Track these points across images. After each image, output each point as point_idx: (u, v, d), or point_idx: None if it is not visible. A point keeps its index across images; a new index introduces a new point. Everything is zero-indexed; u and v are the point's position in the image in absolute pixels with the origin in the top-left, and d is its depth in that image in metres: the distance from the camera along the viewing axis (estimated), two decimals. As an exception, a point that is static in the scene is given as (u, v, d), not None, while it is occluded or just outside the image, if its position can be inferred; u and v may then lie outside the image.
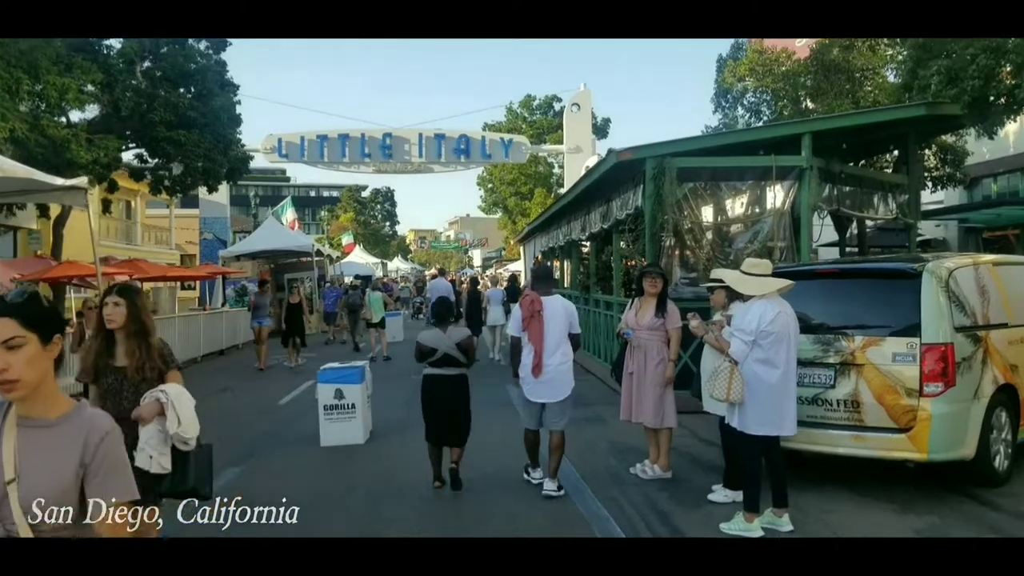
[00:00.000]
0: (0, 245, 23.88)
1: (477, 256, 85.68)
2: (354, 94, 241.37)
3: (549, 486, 7.14)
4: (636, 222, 12.64)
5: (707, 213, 12.20)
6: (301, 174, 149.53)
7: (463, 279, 37.99)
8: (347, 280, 40.37)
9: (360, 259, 47.46)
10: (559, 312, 7.18)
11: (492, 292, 19.85)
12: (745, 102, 20.35)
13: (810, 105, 19.21)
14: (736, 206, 11.84)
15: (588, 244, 17.90)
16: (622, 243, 14.48)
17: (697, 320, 6.83)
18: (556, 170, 52.36)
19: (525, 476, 7.68)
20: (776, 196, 11.10)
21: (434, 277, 28.40)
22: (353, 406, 9.58)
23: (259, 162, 37.19)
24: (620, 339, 8.07)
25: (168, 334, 16.20)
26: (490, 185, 52.73)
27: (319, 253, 30.93)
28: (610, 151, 11.42)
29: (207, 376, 16.72)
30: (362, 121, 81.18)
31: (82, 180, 11.30)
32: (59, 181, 10.87)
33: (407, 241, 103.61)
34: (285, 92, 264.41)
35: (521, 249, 36.87)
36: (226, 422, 11.75)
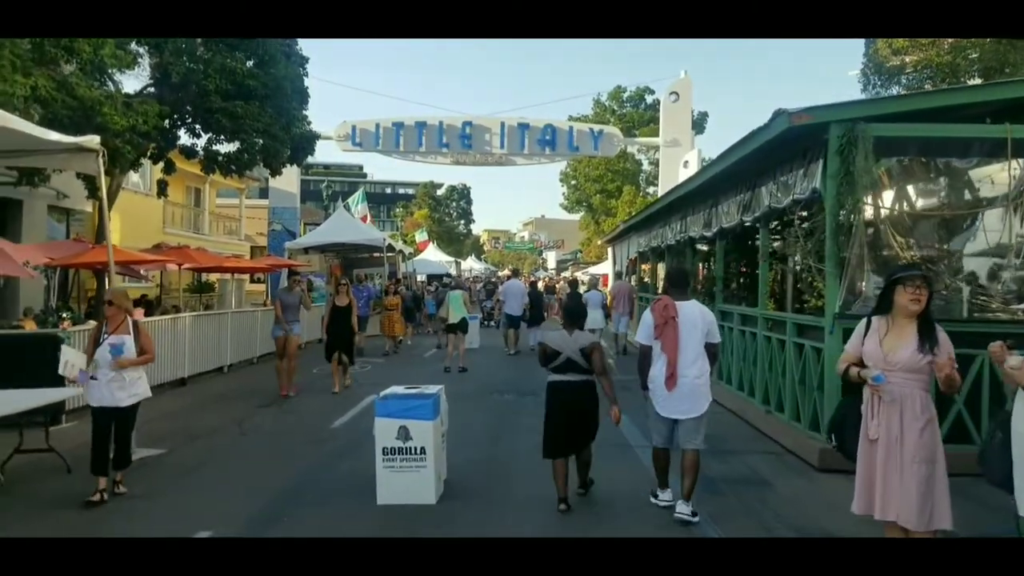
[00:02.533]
0: (57, 230, 21.98)
1: (552, 258, 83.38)
2: (431, 83, 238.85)
3: (683, 509, 6.53)
4: (808, 211, 9.64)
5: (908, 199, 9.08)
6: (377, 171, 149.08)
7: (540, 280, 35.33)
8: (420, 279, 38.25)
9: (434, 257, 45.15)
10: (696, 319, 6.60)
11: (592, 294, 19.03)
12: (904, 79, 16.99)
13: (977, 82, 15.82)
14: (950, 190, 8.71)
15: (710, 245, 14.87)
16: (775, 241, 11.47)
17: (1018, 357, 3.98)
18: (646, 167, 49.26)
19: (652, 499, 7.01)
20: (1014, 176, 8.00)
21: (508, 278, 25.92)
22: (423, 451, 6.82)
23: (332, 155, 35.25)
24: (848, 383, 5.13)
25: (167, 339, 13.69)
26: (574, 181, 49.82)
27: (391, 248, 28.53)
28: (777, 113, 8.47)
29: (219, 402, 13.58)
30: (440, 108, 79.13)
31: (91, 139, 8.87)
32: (59, 137, 8.46)
33: (481, 241, 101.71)
34: (359, 79, 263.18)
35: (610, 250, 33.83)
36: (262, 451, 9.14)
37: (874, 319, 4.99)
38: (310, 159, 22.25)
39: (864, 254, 8.12)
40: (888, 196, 8.35)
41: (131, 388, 7.25)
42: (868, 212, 8.17)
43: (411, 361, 18.92)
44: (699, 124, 44.50)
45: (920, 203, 8.43)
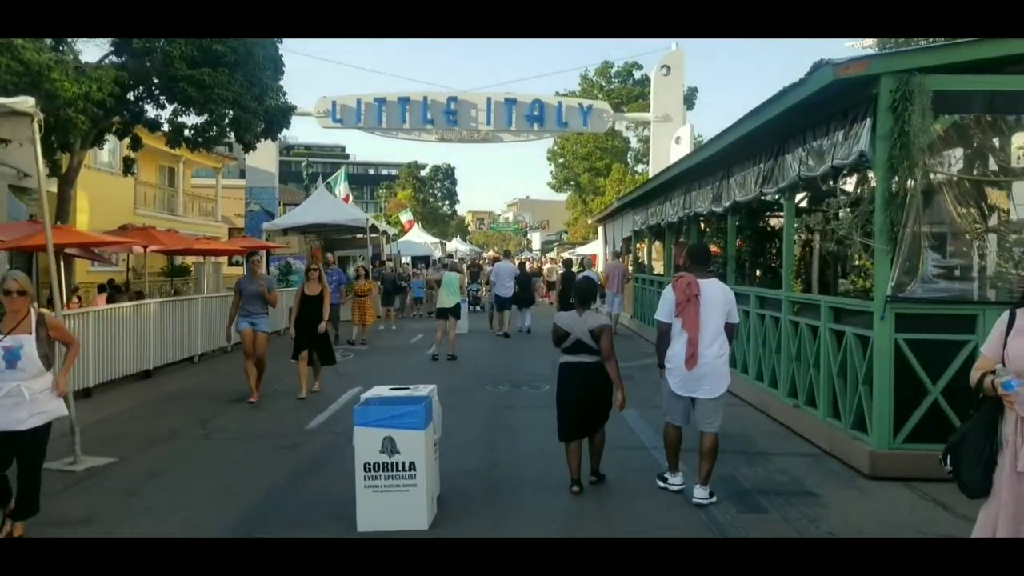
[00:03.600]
0: (20, 210, 20.59)
1: (536, 239, 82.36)
2: (414, 57, 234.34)
3: (700, 493, 6.41)
4: (844, 181, 8.54)
5: (974, 163, 7.92)
6: (360, 151, 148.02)
7: (528, 262, 34.26)
8: (404, 260, 37.01)
9: (418, 239, 43.88)
10: (718, 297, 6.49)
11: (586, 274, 18.14)
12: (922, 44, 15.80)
13: None
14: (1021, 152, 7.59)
15: (720, 221, 13.75)
16: (805, 214, 10.29)
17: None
18: (634, 144, 48.08)
19: (660, 484, 6.80)
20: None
21: (495, 260, 24.92)
22: (412, 467, 5.66)
23: (313, 134, 34.00)
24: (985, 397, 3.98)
25: (129, 328, 12.48)
26: (562, 160, 48.57)
27: (375, 229, 27.32)
28: (818, 65, 7.30)
29: (160, 407, 11.44)
30: (425, 83, 77.35)
31: (23, 100, 7.67)
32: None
33: (466, 222, 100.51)
34: (339, 52, 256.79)
35: (600, 229, 32.70)
36: (225, 460, 7.98)
37: (1019, 313, 3.89)
38: (290, 139, 21.20)
39: (921, 228, 7.00)
40: (949, 160, 7.22)
41: (34, 405, 5.46)
42: (928, 178, 7.06)
43: (395, 349, 17.74)
44: (688, 100, 43.26)
45: (988, 167, 7.31)
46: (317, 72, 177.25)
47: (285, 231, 27.39)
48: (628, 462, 7.71)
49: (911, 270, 7.01)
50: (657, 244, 20.46)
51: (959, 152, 7.32)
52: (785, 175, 9.41)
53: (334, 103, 32.91)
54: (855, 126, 7.48)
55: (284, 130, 19.38)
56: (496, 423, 9.70)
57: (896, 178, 6.91)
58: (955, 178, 7.12)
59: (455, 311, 15.87)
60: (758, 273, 11.93)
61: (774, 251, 12.04)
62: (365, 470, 5.67)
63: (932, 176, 7.09)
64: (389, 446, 5.62)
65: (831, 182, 8.95)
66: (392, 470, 5.64)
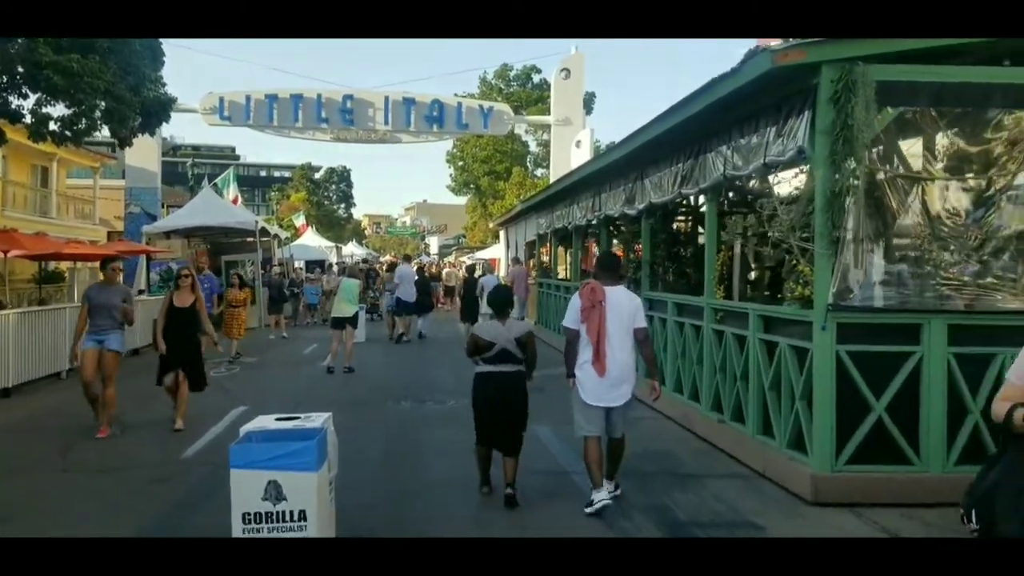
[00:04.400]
0: None
1: (434, 243, 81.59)
2: (307, 53, 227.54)
3: (601, 495, 6.22)
4: (791, 176, 8.00)
5: (916, 161, 7.40)
6: (251, 152, 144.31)
7: (427, 267, 33.33)
8: (297, 265, 35.49)
9: (312, 242, 42.34)
10: (623, 304, 6.51)
11: (487, 279, 18.43)
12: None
13: None
14: (968, 148, 7.07)
15: (632, 223, 13.19)
16: (728, 216, 9.73)
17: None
18: (534, 148, 47.67)
19: (587, 510, 6.25)
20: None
21: (394, 264, 24.02)
22: (302, 516, 4.72)
23: (201, 134, 32.18)
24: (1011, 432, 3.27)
25: None
26: (461, 163, 47.74)
27: (265, 232, 25.90)
28: (752, 53, 6.71)
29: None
30: (319, 81, 75.21)
31: None
32: None
33: (362, 226, 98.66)
34: (227, 47, 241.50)
35: (502, 233, 32.02)
36: (85, 500, 6.82)
37: None
38: (176, 139, 19.62)
39: (865, 229, 6.47)
40: (893, 156, 6.70)
41: None
42: (872, 176, 6.52)
43: (287, 361, 16.54)
44: (587, 104, 43.13)
45: (936, 165, 6.81)
46: (204, 65, 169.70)
47: (168, 234, 25.72)
48: (550, 487, 6.95)
49: (853, 276, 6.46)
50: (564, 248, 19.87)
51: (903, 148, 6.80)
52: (707, 175, 8.83)
53: (222, 99, 31.26)
54: (791, 120, 6.90)
55: (163, 124, 17.91)
56: (400, 446, 8.80)
57: (837, 176, 6.34)
58: (898, 176, 6.59)
59: (352, 320, 14.85)
60: (673, 278, 11.35)
61: (689, 255, 11.48)
62: (244, 521, 4.70)
63: (877, 174, 6.56)
64: (274, 492, 4.67)
65: (759, 181, 8.39)
66: (277, 520, 4.69)
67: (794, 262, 6.85)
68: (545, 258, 21.66)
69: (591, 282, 6.60)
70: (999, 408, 3.15)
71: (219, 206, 26.58)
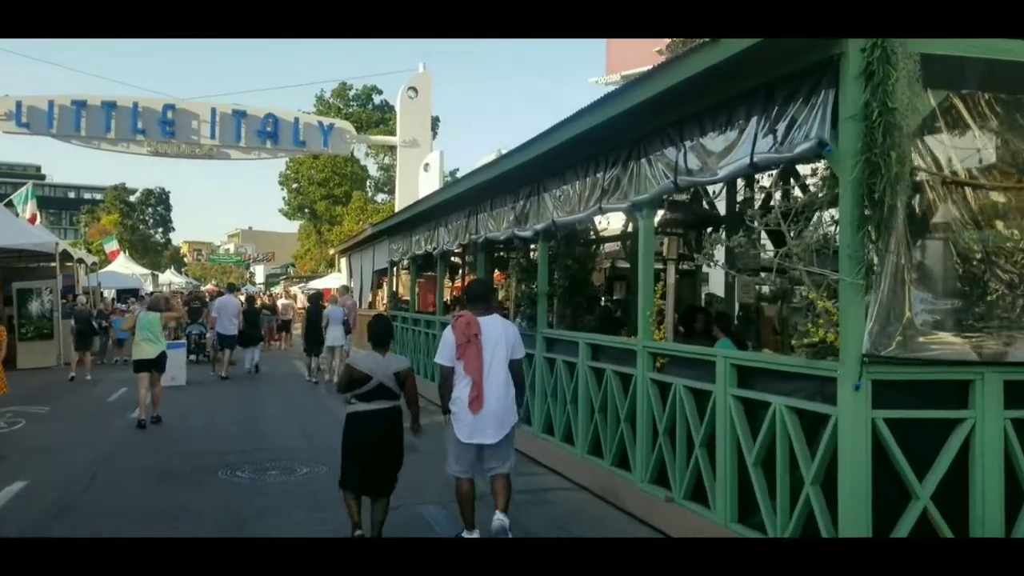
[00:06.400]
0: None
1: (260, 272, 77.42)
2: (119, 56, 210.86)
3: (502, 517, 6.01)
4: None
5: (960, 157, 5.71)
6: (59, 172, 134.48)
7: (257, 297, 30.33)
8: (106, 293, 31.47)
9: (126, 269, 38.08)
10: (499, 334, 6.19)
11: (332, 310, 17.14)
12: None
13: None
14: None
15: (519, 248, 11.28)
16: (670, 235, 7.87)
17: None
18: (374, 172, 45.25)
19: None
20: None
21: (219, 294, 21.30)
22: None
23: (1, 150, 27.86)
24: None
25: None
26: (296, 185, 44.58)
27: (67, 256, 22.27)
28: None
29: None
30: (137, 88, 69.65)
31: None
32: None
33: (181, 252, 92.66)
34: (25, 45, 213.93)
35: (344, 261, 29.42)
36: None
37: None
38: None
39: (909, 253, 4.76)
40: (932, 156, 5.04)
41: None
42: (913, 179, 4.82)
43: (87, 410, 13.46)
44: (432, 127, 41.35)
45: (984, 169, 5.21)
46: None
47: (-58, 259, 21.64)
48: None
49: (894, 315, 4.72)
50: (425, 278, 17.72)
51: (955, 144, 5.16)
52: (644, 186, 7.02)
53: (19, 104, 27.39)
54: (793, 105, 5.15)
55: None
56: (239, 546, 6.35)
57: (877, 177, 4.59)
58: (952, 180, 4.93)
59: (158, 364, 12.02)
60: (577, 314, 9.48)
61: (602, 286, 9.64)
62: None
63: (921, 177, 4.88)
64: None
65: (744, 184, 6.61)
66: None
67: (806, 296, 5.01)
68: (400, 288, 19.41)
69: (464, 314, 6.28)
70: None
71: (10, 224, 22.62)
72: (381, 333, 6.36)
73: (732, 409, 5.84)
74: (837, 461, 4.81)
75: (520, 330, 6.97)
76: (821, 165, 5.89)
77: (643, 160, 7.09)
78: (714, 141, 6.04)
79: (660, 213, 8.85)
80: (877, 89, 4.63)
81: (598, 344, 8.22)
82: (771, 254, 5.55)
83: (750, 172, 6.17)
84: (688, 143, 6.36)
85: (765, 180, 8.28)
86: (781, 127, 5.25)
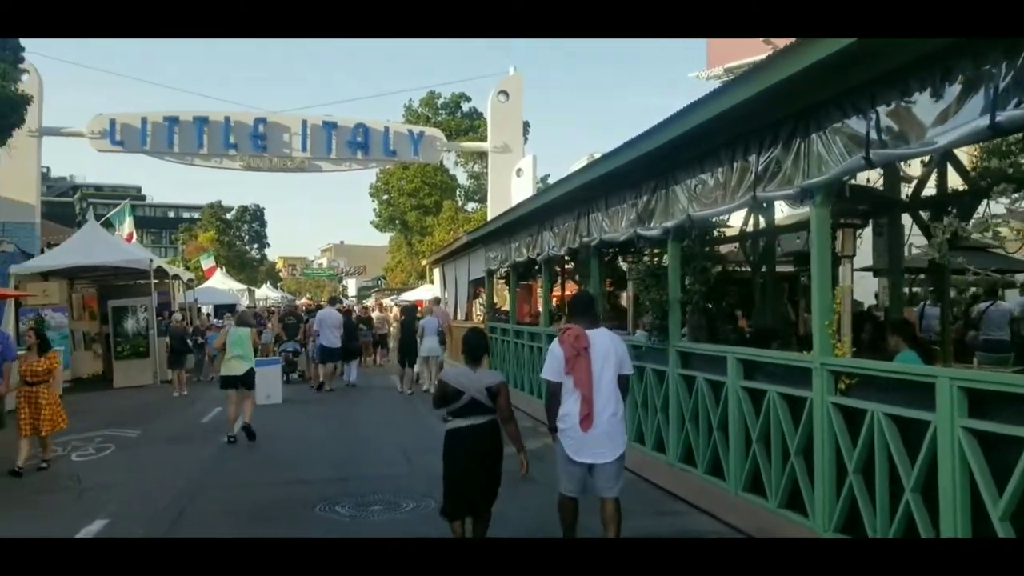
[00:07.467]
0: None
1: (352, 285, 78.04)
2: (208, 70, 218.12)
3: None
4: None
5: None
6: (159, 193, 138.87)
7: (362, 309, 29.85)
8: (204, 309, 31.43)
9: (223, 285, 38.25)
10: (608, 349, 5.94)
11: (427, 321, 17.22)
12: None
13: None
14: None
15: (639, 253, 10.04)
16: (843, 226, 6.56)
17: None
18: (464, 181, 44.55)
19: None
20: None
21: (315, 308, 20.98)
22: None
23: (103, 172, 28.02)
24: None
25: None
26: (386, 196, 44.20)
27: (162, 273, 21.96)
28: None
29: None
30: (228, 103, 70.71)
31: None
32: None
33: (276, 268, 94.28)
34: (110, 60, 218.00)
35: (437, 272, 28.60)
36: None
37: None
38: (76, 177, 15.82)
39: None
40: None
41: None
42: None
43: (176, 432, 12.76)
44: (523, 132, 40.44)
45: None
46: (82, 82, 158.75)
47: (45, 276, 21.53)
48: None
49: None
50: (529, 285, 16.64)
51: None
52: (817, 166, 5.74)
53: (113, 121, 27.40)
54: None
55: (16, 128, 14.13)
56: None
57: None
58: None
59: (246, 380, 11.54)
60: (726, 323, 8.19)
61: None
62: None
63: None
64: None
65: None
66: None
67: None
68: (499, 299, 18.39)
69: (572, 327, 6.06)
70: None
71: (104, 241, 22.45)
72: (475, 347, 6.22)
73: (964, 446, 4.50)
74: None
75: (649, 344, 6.54)
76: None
77: (814, 136, 5.81)
78: (924, 103, 4.73)
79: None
80: None
81: (753, 360, 6.93)
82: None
83: (988, 137, 4.82)
84: (884, 108, 5.06)
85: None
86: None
